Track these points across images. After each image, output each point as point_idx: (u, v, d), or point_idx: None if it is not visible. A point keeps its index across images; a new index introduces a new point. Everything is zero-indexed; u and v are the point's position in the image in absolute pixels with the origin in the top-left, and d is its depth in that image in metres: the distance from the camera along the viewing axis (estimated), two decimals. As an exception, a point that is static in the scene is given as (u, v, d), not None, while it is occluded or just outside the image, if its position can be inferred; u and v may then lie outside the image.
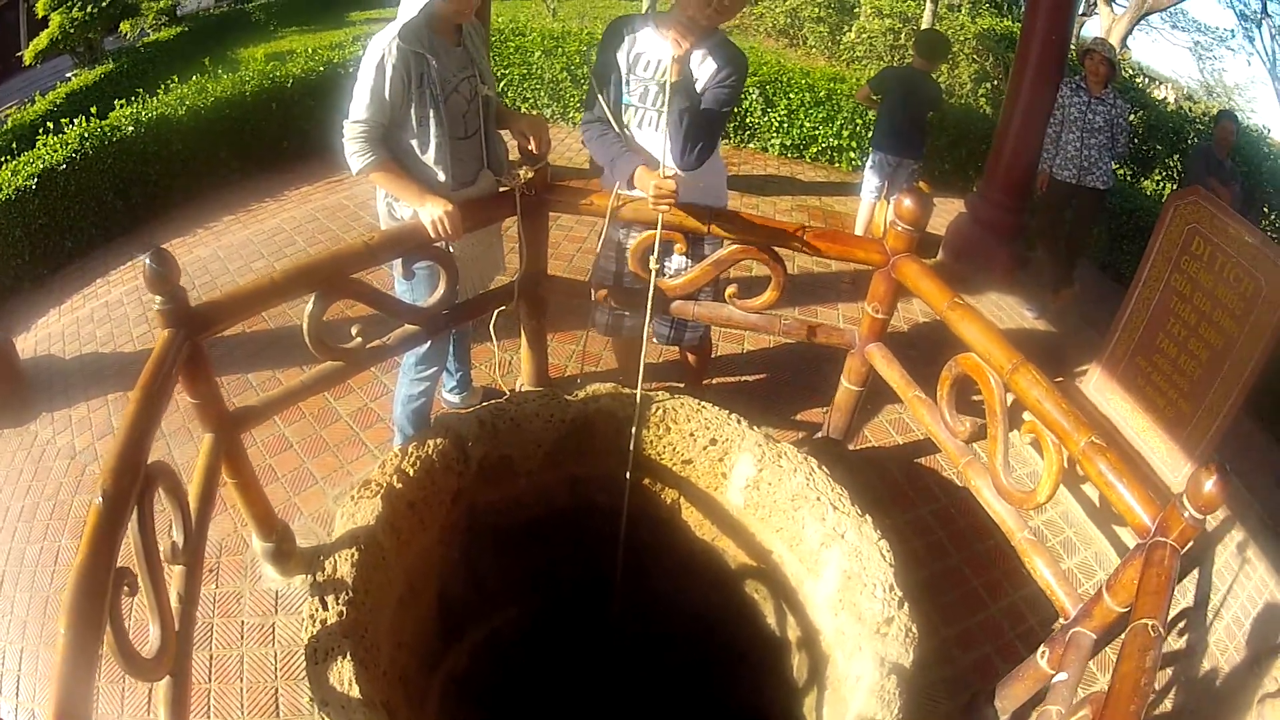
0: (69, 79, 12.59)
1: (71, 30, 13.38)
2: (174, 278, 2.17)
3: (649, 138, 2.94)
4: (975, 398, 2.71)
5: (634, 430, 2.81)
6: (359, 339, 2.78)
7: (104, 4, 13.58)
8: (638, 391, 2.82)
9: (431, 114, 2.78)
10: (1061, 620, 2.38)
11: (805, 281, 5.65)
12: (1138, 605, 1.82)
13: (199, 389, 2.38)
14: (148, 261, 2.12)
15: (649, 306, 2.89)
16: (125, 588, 1.62)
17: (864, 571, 2.41)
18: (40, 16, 13.50)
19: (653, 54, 2.87)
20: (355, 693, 1.90)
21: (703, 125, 2.80)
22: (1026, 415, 2.49)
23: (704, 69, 2.85)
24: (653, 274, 2.90)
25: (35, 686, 2.94)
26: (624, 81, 2.94)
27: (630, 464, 2.83)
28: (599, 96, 2.95)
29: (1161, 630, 1.72)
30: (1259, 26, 24.64)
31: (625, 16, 3.01)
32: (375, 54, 2.68)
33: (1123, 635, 1.79)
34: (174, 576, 2.03)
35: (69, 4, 13.26)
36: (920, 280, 2.86)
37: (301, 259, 2.69)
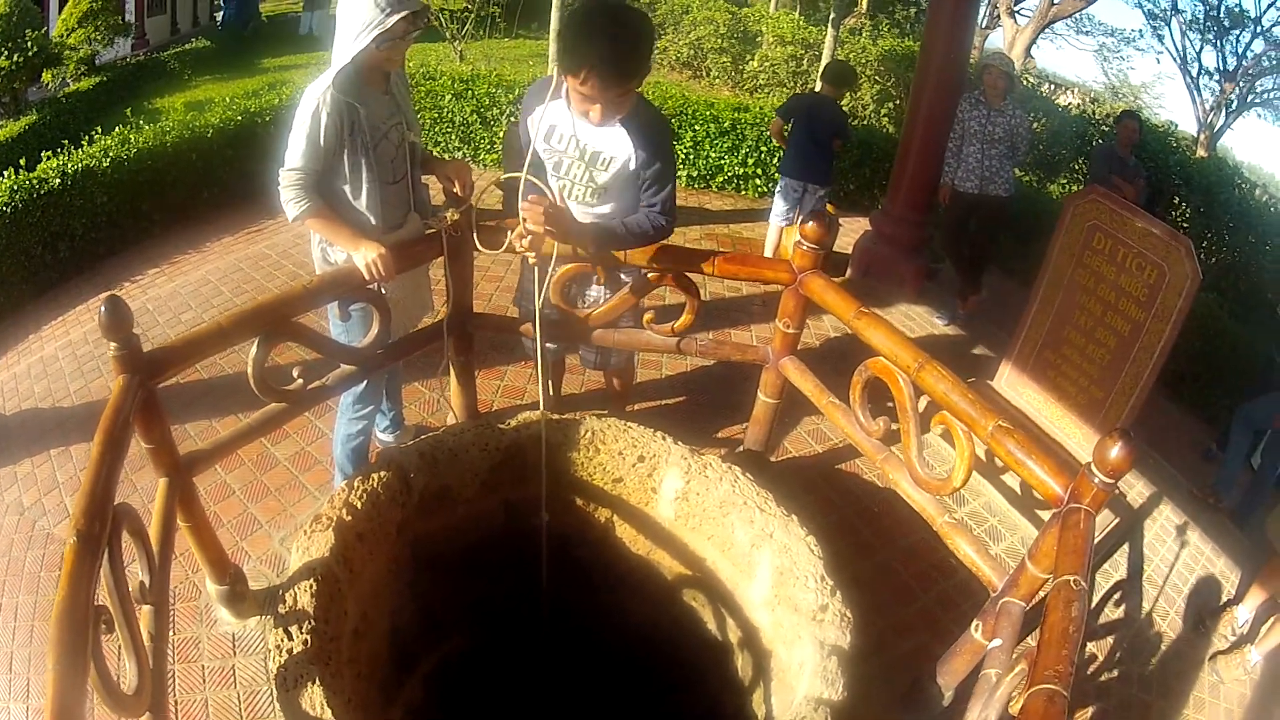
0: (-6, 130, 12.39)
1: (-2, 80, 13.19)
2: (128, 325, 2.26)
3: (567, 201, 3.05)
4: (889, 404, 2.88)
5: (542, 445, 2.91)
6: (300, 380, 2.89)
7: (30, 53, 13.37)
8: (540, 412, 2.94)
9: (363, 161, 2.90)
10: (991, 594, 2.55)
11: (719, 306, 5.89)
12: (1059, 565, 1.98)
13: (153, 434, 2.47)
14: (103, 310, 2.20)
15: (538, 331, 3.01)
16: (103, 625, 1.70)
17: (795, 566, 2.56)
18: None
19: (564, 128, 2.95)
20: (329, 716, 1.98)
21: (639, 234, 2.98)
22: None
23: (620, 145, 2.91)
24: (536, 295, 2.97)
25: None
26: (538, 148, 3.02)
27: (543, 468, 2.93)
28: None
29: (1084, 584, 1.86)
30: (1168, 24, 25.43)
31: (541, 81, 3.09)
32: (310, 103, 2.77)
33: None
34: (143, 616, 2.11)
35: (-4, 53, 13.04)
36: (826, 294, 3.08)
37: (246, 304, 2.77)
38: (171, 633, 3.17)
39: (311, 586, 2.28)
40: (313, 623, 2.20)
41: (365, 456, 3.65)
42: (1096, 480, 2.09)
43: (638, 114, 2.89)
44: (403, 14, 2.72)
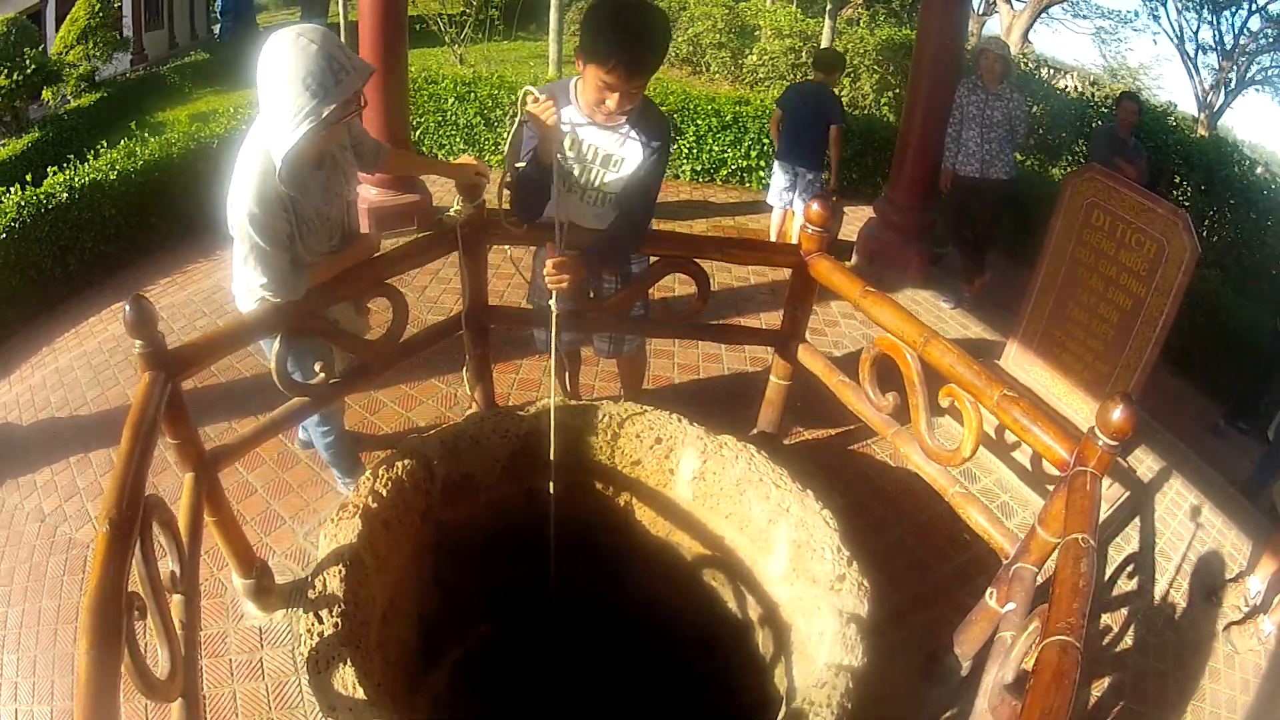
0: (-3, 147, 12.51)
1: (-1, 98, 13.30)
2: (153, 323, 2.32)
3: (574, 204, 3.09)
4: (900, 387, 2.94)
5: (550, 425, 2.95)
6: (322, 375, 2.94)
7: (29, 71, 13.46)
8: (551, 400, 2.98)
9: (300, 239, 2.78)
10: (1004, 562, 2.61)
11: (727, 296, 5.94)
12: (1067, 525, 2.03)
13: (179, 430, 2.53)
14: (127, 309, 2.26)
15: (554, 322, 3.03)
16: (136, 611, 1.74)
17: (811, 539, 2.61)
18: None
19: (576, 132, 3.00)
20: (361, 695, 2.03)
21: (632, 228, 3.07)
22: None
23: (629, 149, 2.99)
24: (554, 296, 3.01)
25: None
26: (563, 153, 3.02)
27: (553, 452, 2.97)
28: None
29: (1091, 542, 1.91)
30: (1164, 4, 25.39)
31: (548, 87, 3.01)
32: (265, 204, 2.62)
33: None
34: (174, 605, 2.16)
35: (-4, 71, 13.15)
36: (832, 275, 3.13)
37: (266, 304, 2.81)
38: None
39: (340, 572, 2.33)
40: (343, 606, 2.25)
41: (350, 448, 3.77)
42: (1100, 443, 2.15)
43: (646, 116, 2.98)
44: (336, 102, 2.50)
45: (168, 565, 2.16)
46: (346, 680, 2.07)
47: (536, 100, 2.73)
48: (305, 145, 2.52)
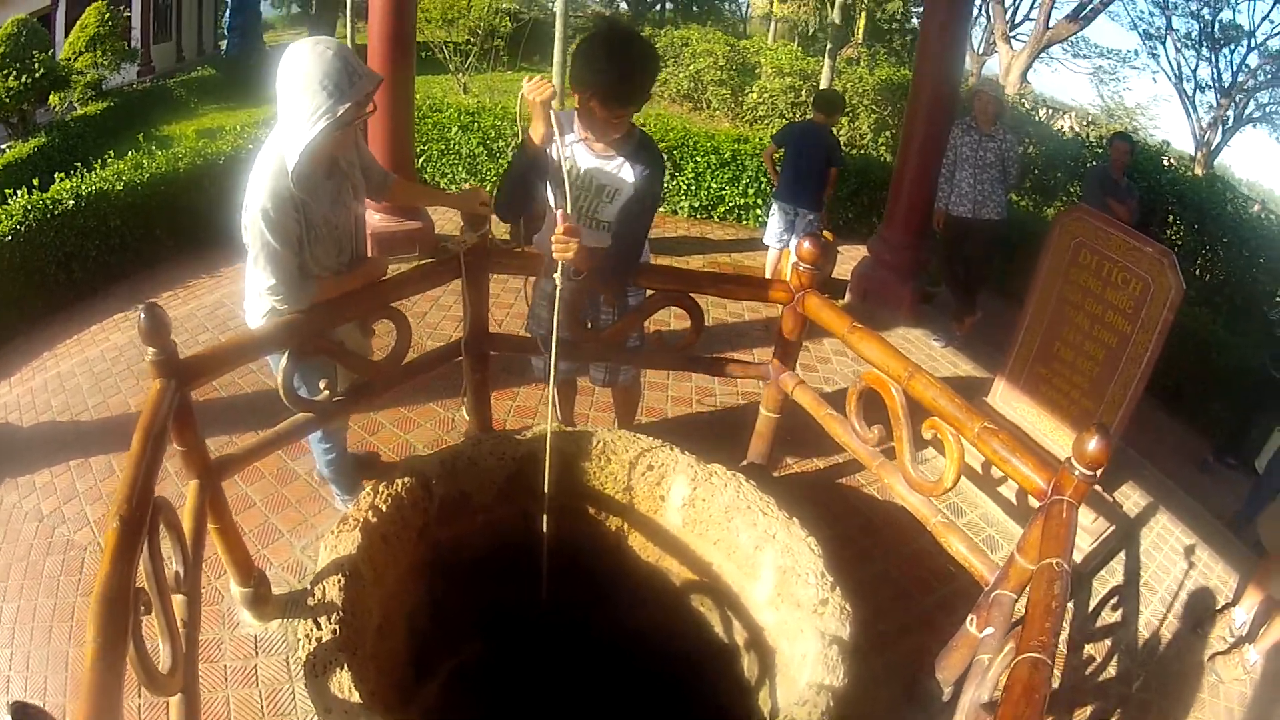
0: (3, 150, 12.62)
1: (6, 99, 13.40)
2: (166, 331, 2.42)
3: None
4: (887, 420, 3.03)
5: (547, 450, 3.00)
6: (327, 392, 3.03)
7: (37, 74, 13.53)
8: (549, 426, 3.03)
9: (308, 246, 2.91)
10: (984, 589, 2.69)
11: (722, 331, 6.10)
12: (1042, 550, 2.12)
13: (186, 437, 2.61)
14: (142, 316, 2.36)
15: (553, 349, 3.07)
16: (142, 606, 1.80)
17: (796, 565, 2.68)
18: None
19: (585, 167, 3.15)
20: (356, 698, 2.08)
21: (624, 250, 3.16)
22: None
23: (624, 179, 3.14)
24: (551, 315, 3.09)
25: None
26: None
27: (548, 479, 3.03)
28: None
29: (1066, 566, 1.99)
30: (1163, 43, 25.71)
31: (561, 114, 3.15)
32: (278, 201, 2.73)
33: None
34: (176, 605, 2.22)
35: (4, 72, 13.27)
36: (821, 311, 3.25)
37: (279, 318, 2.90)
38: (194, 632, 3.29)
39: (340, 581, 2.40)
40: (341, 614, 2.31)
41: (350, 465, 3.85)
42: (1077, 473, 2.24)
43: (642, 148, 3.14)
44: (351, 102, 2.65)
45: (172, 566, 2.24)
46: (343, 684, 2.12)
47: (531, 79, 2.86)
48: (321, 142, 2.66)
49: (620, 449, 3.16)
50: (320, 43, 2.66)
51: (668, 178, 9.21)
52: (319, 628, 2.27)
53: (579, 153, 3.12)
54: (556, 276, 2.95)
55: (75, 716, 1.44)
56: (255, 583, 3.22)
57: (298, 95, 2.61)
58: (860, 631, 2.56)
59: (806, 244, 3.29)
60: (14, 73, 13.34)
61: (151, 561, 1.96)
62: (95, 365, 5.32)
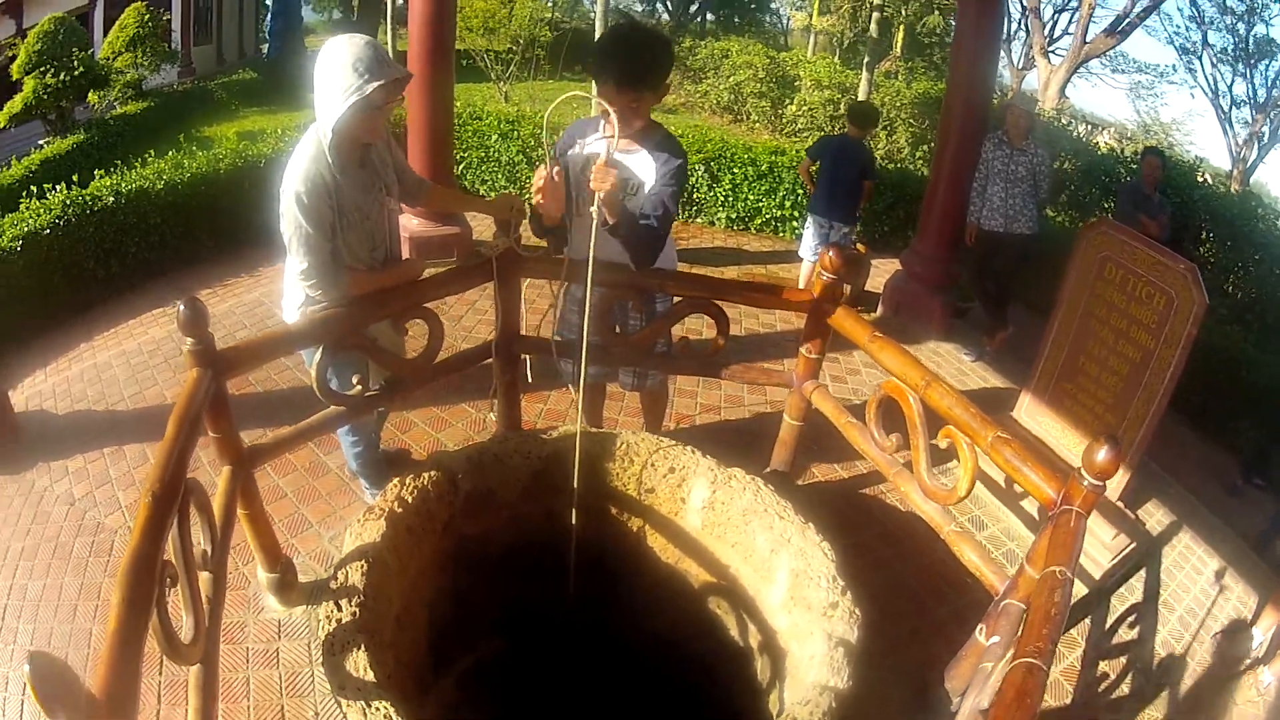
0: (41, 146, 12.81)
1: (45, 96, 13.62)
2: (205, 323, 2.53)
3: (601, 234, 3.13)
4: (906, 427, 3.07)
5: (576, 449, 3.06)
6: (359, 387, 3.12)
7: (76, 72, 13.73)
8: (578, 427, 3.09)
9: (340, 233, 3.01)
10: (994, 598, 2.71)
11: (752, 341, 6.18)
12: (1048, 559, 2.14)
13: (220, 425, 2.72)
14: (182, 308, 2.48)
15: (583, 353, 3.11)
16: (168, 579, 1.88)
17: (809, 568, 2.71)
18: (14, 80, 13.73)
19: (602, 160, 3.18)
20: (371, 678, 2.14)
21: (650, 227, 3.18)
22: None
23: (645, 170, 3.22)
24: (584, 318, 3.12)
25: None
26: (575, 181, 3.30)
27: (576, 478, 3.09)
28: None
29: (1069, 574, 2.02)
30: (1199, 58, 25.53)
31: (581, 121, 3.42)
32: (311, 184, 2.86)
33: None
34: (202, 583, 2.31)
35: (43, 69, 13.48)
36: (844, 321, 3.31)
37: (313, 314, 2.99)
38: (220, 617, 3.38)
39: (363, 567, 2.46)
40: (362, 599, 2.37)
41: (378, 459, 3.91)
42: (1085, 483, 2.27)
43: (664, 143, 3.25)
44: (381, 82, 2.75)
45: (200, 546, 2.32)
46: (359, 664, 2.17)
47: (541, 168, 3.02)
48: (351, 118, 2.78)
49: (644, 451, 3.20)
50: (354, 35, 2.81)
51: (704, 189, 9.31)
52: (339, 609, 2.32)
53: (601, 149, 3.15)
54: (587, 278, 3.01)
55: (96, 679, 1.49)
56: (282, 569, 3.31)
57: (331, 77, 2.75)
58: (870, 636, 2.58)
59: (831, 253, 3.34)
60: (52, 70, 13.56)
61: (180, 538, 2.04)
62: (132, 357, 5.45)
